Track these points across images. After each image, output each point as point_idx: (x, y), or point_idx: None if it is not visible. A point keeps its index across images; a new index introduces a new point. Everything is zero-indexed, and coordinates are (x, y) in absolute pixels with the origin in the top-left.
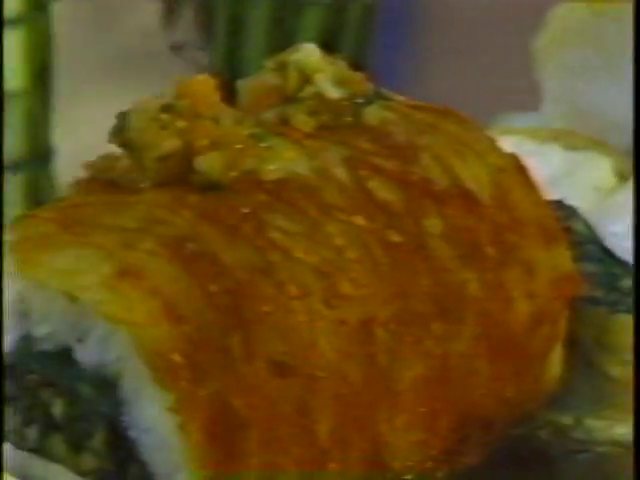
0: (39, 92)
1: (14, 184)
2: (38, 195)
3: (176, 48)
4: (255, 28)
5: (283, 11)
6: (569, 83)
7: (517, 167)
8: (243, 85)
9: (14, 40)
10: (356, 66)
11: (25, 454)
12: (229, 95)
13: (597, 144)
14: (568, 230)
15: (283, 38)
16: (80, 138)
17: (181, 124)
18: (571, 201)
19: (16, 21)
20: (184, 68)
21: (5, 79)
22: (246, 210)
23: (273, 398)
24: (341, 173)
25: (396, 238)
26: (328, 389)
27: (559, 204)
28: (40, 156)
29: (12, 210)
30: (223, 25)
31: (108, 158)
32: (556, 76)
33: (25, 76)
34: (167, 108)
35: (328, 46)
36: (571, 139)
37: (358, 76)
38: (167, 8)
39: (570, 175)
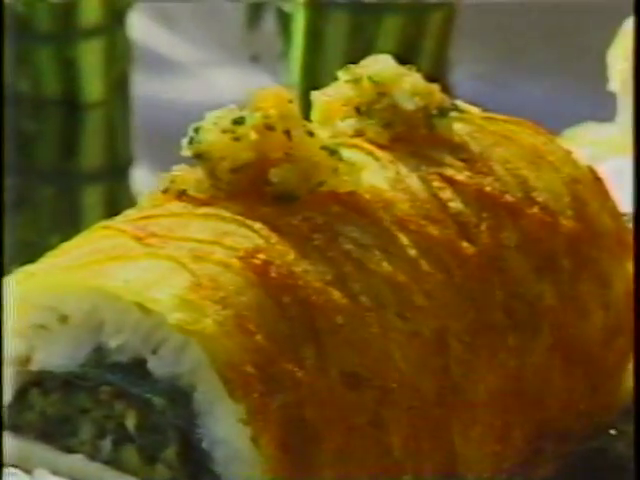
0: (118, 103)
1: (93, 194)
2: (117, 206)
3: (255, 59)
4: (333, 39)
5: (361, 21)
6: None
7: (592, 178)
8: (318, 97)
9: (93, 51)
10: (434, 76)
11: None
12: (306, 107)
13: None
14: None
15: (361, 48)
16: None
17: (254, 136)
18: None
19: (95, 32)
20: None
21: (84, 90)
22: (320, 221)
23: (346, 410)
24: (415, 185)
25: (470, 250)
26: (402, 401)
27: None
28: (119, 167)
29: (91, 220)
30: (301, 36)
31: (183, 169)
32: (628, 87)
33: (104, 87)
34: (240, 120)
35: (407, 55)
36: None
37: (433, 87)
38: (248, 19)
39: None
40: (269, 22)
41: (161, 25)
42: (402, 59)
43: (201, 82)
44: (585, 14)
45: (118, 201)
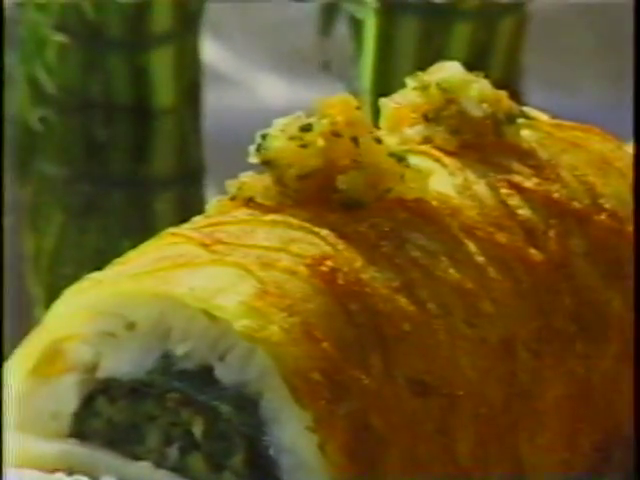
0: (189, 109)
1: (164, 201)
2: (188, 212)
3: (327, 66)
4: (404, 45)
5: (432, 27)
6: None
7: None
8: (386, 104)
9: (164, 58)
10: (504, 82)
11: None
12: (376, 114)
13: None
14: None
15: (432, 54)
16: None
17: (321, 143)
18: None
19: (165, 38)
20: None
21: (155, 97)
22: (387, 228)
23: (413, 417)
24: (482, 191)
25: (537, 256)
26: (469, 408)
27: None
28: (190, 174)
29: (162, 227)
30: (372, 42)
31: (250, 176)
32: None
33: (175, 93)
34: (307, 127)
35: (477, 61)
36: None
37: (501, 94)
38: (322, 25)
39: None
40: (341, 29)
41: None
42: (472, 65)
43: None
44: None
45: (189, 208)
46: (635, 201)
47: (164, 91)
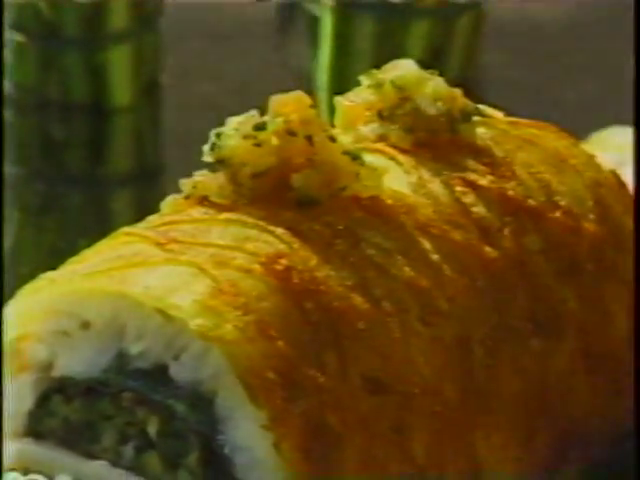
0: (147, 108)
1: (122, 200)
2: (145, 211)
3: (283, 63)
4: (360, 43)
5: (388, 25)
6: None
7: (616, 182)
8: (340, 102)
9: (121, 56)
10: (460, 81)
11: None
12: (331, 111)
13: None
14: None
15: (389, 53)
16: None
17: (275, 142)
18: None
19: (122, 37)
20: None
21: (112, 95)
22: (341, 227)
23: (368, 415)
24: (437, 189)
25: (492, 254)
26: (424, 406)
27: None
28: (148, 172)
29: (119, 226)
30: (328, 40)
31: (204, 175)
32: None
33: (132, 92)
34: (261, 126)
35: (434, 60)
36: None
37: (456, 92)
38: (280, 24)
39: None
40: (300, 26)
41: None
42: (429, 64)
43: None
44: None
45: (147, 207)
46: (636, 204)
47: (121, 90)
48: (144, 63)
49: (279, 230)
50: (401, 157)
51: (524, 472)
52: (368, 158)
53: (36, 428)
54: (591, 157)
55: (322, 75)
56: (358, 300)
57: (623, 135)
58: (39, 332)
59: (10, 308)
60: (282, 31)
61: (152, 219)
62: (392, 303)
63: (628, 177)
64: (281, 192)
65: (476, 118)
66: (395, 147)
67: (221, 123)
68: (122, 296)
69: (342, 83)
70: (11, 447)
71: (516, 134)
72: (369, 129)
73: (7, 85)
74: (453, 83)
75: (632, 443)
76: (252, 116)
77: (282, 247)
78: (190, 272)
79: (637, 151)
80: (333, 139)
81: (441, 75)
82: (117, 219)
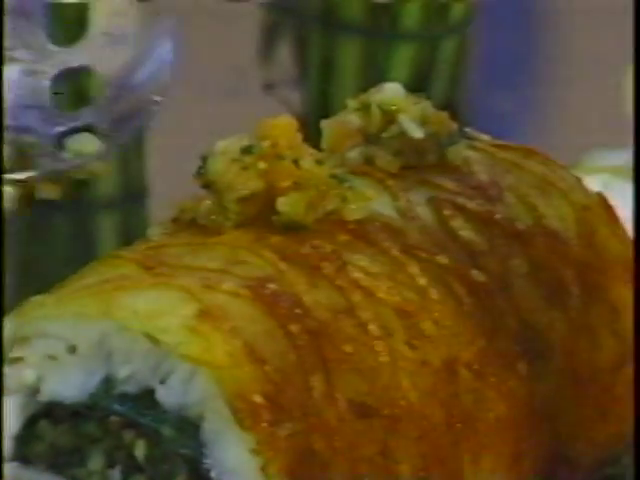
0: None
1: (107, 222)
2: (131, 234)
3: (268, 87)
4: (346, 67)
5: (374, 48)
6: None
7: (603, 206)
8: (327, 125)
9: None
10: (447, 104)
11: None
12: (317, 135)
13: None
14: None
15: (374, 76)
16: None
17: (262, 165)
18: None
19: None
20: (275, 107)
21: None
22: (328, 250)
23: (355, 439)
24: (424, 213)
25: (480, 278)
26: (411, 430)
27: None
28: (133, 194)
29: (105, 250)
30: (315, 64)
31: (191, 199)
32: None
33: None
34: (248, 149)
35: (420, 83)
36: None
37: (442, 115)
38: (264, 47)
39: None
40: (284, 49)
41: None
42: (415, 86)
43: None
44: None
45: (133, 230)
46: (634, 204)
47: None
48: None
49: (267, 254)
50: (388, 180)
51: None
52: (355, 181)
53: (23, 452)
54: (578, 180)
55: (308, 99)
56: (345, 323)
57: (610, 158)
58: (26, 356)
59: None
60: (265, 53)
61: (140, 242)
62: (379, 327)
63: (615, 200)
64: (268, 216)
65: (463, 141)
66: (382, 170)
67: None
68: (109, 320)
69: (327, 106)
70: None
71: (502, 157)
72: (356, 152)
73: None
74: (440, 106)
75: (631, 446)
76: (239, 139)
77: (270, 271)
78: (178, 296)
79: (637, 153)
80: (320, 162)
81: (428, 98)
82: (102, 243)
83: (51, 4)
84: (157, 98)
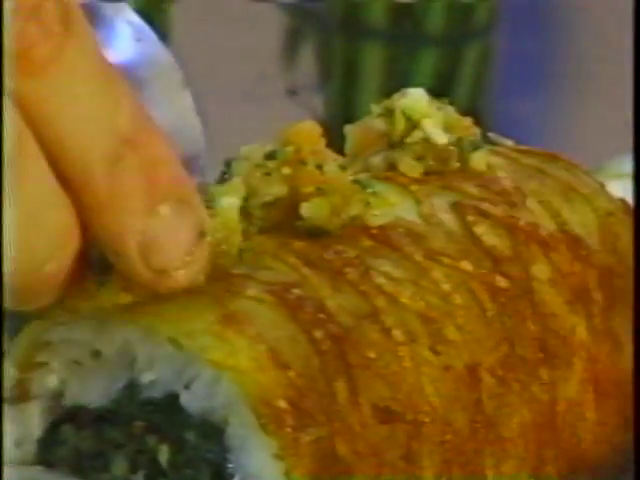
0: None
1: None
2: None
3: (292, 92)
4: (369, 72)
5: (397, 53)
6: None
7: (626, 211)
8: (350, 130)
9: None
10: (469, 109)
11: None
12: (341, 140)
13: None
14: None
15: (397, 81)
16: None
17: (286, 171)
18: None
19: None
20: (299, 113)
21: None
22: (351, 256)
23: (378, 444)
24: (448, 218)
25: (503, 283)
26: (434, 435)
27: None
28: None
29: None
30: (338, 69)
31: None
32: None
33: None
34: (272, 155)
35: (443, 88)
36: None
37: (466, 121)
38: (287, 52)
39: None
40: (308, 54)
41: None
42: (438, 91)
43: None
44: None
45: None
46: (635, 204)
47: None
48: None
49: (290, 259)
50: (411, 186)
51: None
52: (378, 187)
53: (46, 456)
54: (601, 186)
55: (331, 104)
56: (368, 329)
57: (631, 163)
58: (50, 361)
59: (22, 336)
60: (288, 58)
61: None
62: (402, 332)
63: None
64: (291, 221)
65: (486, 147)
66: (405, 176)
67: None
68: (133, 325)
69: (351, 111)
70: (21, 475)
71: (526, 163)
72: (379, 158)
73: None
74: (462, 112)
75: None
76: (263, 145)
77: (294, 276)
78: (202, 301)
79: (637, 153)
80: (343, 168)
81: (451, 104)
82: None
83: None
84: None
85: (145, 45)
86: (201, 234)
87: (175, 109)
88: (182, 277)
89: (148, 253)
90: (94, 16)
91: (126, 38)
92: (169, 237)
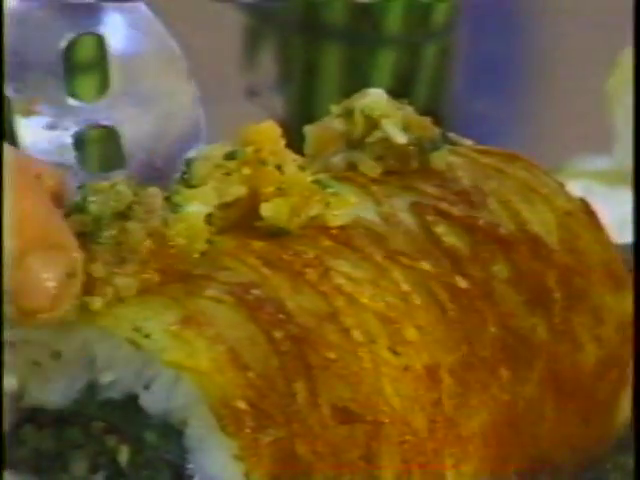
0: None
1: None
2: None
3: (252, 93)
4: (328, 72)
5: (356, 54)
6: None
7: (585, 211)
8: (310, 131)
9: None
10: (430, 110)
11: None
12: (300, 140)
13: None
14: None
15: (357, 81)
16: None
17: (246, 171)
18: None
19: None
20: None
21: None
22: (311, 256)
23: (338, 444)
24: (407, 218)
25: (463, 284)
26: (393, 435)
27: (629, 247)
28: None
29: None
30: (297, 69)
31: None
32: (626, 117)
33: None
34: (231, 155)
35: (402, 88)
36: None
37: (425, 120)
38: (247, 52)
39: None
40: (268, 55)
41: None
42: (397, 92)
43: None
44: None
45: None
46: (634, 209)
47: None
48: None
49: (250, 259)
50: (371, 186)
51: None
52: (338, 187)
53: (6, 457)
54: (561, 185)
55: (291, 105)
56: (328, 329)
57: (593, 163)
58: (10, 362)
59: None
60: (249, 59)
61: None
62: (362, 332)
63: (597, 205)
64: (251, 221)
65: (446, 147)
66: (365, 176)
67: None
68: (92, 325)
69: (311, 112)
70: None
71: (486, 163)
72: (339, 158)
73: None
74: (421, 111)
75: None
76: (222, 145)
77: (253, 277)
78: (161, 302)
79: (637, 156)
80: (303, 168)
81: (410, 104)
82: None
83: (69, 57)
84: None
85: (151, 36)
86: (70, 275)
87: (180, 98)
88: (50, 317)
89: (17, 299)
90: (100, 8)
91: (131, 28)
92: (36, 285)
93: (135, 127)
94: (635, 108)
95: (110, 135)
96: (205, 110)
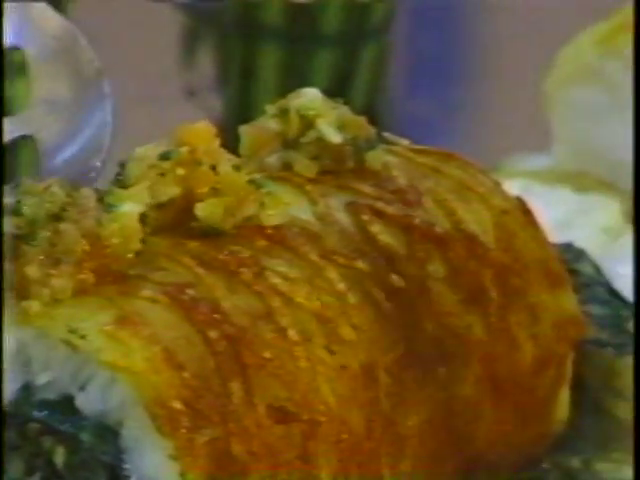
0: None
1: None
2: None
3: (189, 93)
4: (265, 73)
5: (293, 54)
6: (578, 124)
7: (522, 210)
8: (245, 131)
9: None
10: (366, 109)
11: None
12: (237, 141)
13: (606, 186)
14: (575, 272)
15: (294, 81)
16: None
17: (180, 171)
18: (580, 243)
19: None
20: (197, 113)
21: None
22: (246, 256)
23: (274, 444)
24: (343, 218)
25: (398, 282)
26: (330, 434)
27: (567, 246)
28: None
29: None
30: (235, 69)
31: None
32: (565, 117)
33: None
34: (166, 155)
35: (339, 88)
36: (580, 181)
37: (360, 120)
38: (185, 52)
39: (579, 217)
40: (206, 55)
41: None
42: (334, 92)
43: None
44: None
45: None
46: (634, 203)
47: None
48: None
49: (185, 260)
50: (306, 186)
51: None
52: (273, 187)
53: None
54: (497, 184)
55: (228, 105)
56: (263, 329)
57: (530, 162)
58: None
59: None
60: (187, 59)
61: None
62: (298, 332)
63: (534, 204)
64: (186, 222)
65: (381, 146)
66: (300, 176)
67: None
68: (27, 326)
69: (246, 112)
70: None
71: (421, 162)
72: (274, 158)
73: None
74: (358, 111)
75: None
76: (157, 145)
77: (188, 277)
78: (96, 303)
79: (637, 159)
80: (238, 168)
81: (346, 103)
82: None
83: None
84: (98, 163)
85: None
86: None
87: (86, 102)
88: None
89: None
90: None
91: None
92: None
93: (49, 133)
94: (635, 108)
95: (27, 145)
96: (143, 110)
